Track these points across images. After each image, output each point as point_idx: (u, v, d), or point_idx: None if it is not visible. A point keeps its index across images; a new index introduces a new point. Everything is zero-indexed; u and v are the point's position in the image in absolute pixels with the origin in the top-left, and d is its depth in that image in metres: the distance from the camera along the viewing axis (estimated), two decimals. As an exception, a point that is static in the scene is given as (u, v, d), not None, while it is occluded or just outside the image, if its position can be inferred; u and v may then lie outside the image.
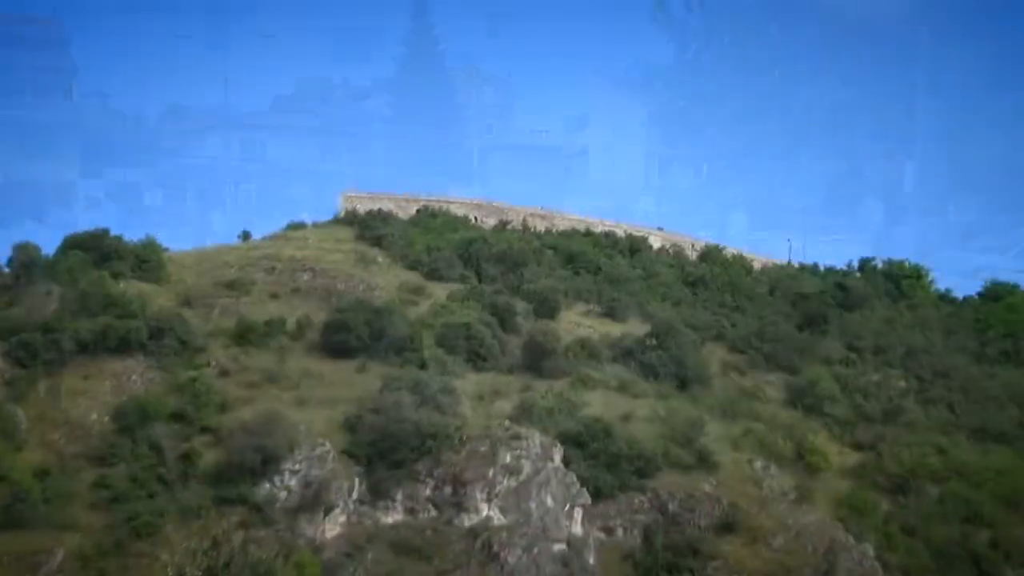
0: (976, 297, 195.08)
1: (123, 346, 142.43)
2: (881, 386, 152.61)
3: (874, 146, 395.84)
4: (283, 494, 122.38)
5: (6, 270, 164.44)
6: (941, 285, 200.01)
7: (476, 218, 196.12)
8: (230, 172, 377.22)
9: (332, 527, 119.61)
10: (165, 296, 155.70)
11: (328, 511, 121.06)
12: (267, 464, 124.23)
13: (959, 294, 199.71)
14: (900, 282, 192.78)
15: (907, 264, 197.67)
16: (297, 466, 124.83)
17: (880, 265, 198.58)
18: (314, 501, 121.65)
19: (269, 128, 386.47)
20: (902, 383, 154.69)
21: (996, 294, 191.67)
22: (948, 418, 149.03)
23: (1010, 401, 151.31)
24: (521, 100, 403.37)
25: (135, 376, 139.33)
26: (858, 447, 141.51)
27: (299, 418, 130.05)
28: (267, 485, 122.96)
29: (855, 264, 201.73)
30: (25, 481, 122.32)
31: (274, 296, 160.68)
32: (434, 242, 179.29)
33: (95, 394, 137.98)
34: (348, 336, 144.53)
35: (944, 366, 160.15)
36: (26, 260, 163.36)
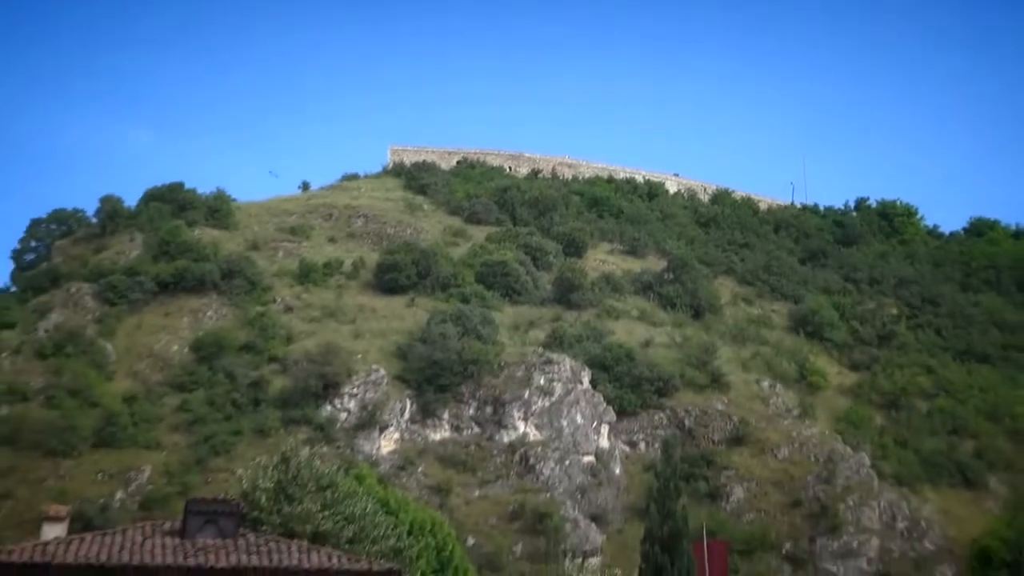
0: (961, 232, 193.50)
1: (198, 286, 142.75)
2: (875, 313, 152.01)
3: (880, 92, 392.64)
4: (343, 415, 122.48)
5: (93, 220, 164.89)
6: (930, 221, 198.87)
7: (510, 168, 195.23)
8: (289, 127, 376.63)
9: (387, 443, 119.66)
10: (234, 241, 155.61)
11: (383, 429, 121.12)
12: (328, 389, 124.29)
13: (946, 230, 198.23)
14: (893, 219, 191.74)
15: (899, 203, 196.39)
16: (355, 390, 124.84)
17: (874, 204, 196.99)
18: (370, 421, 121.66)
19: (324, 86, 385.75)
20: (894, 310, 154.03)
21: (979, 230, 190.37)
22: (936, 341, 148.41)
23: (992, 325, 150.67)
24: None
25: (210, 312, 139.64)
26: (854, 368, 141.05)
27: (356, 348, 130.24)
28: (328, 407, 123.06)
29: (852, 203, 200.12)
30: (115, 406, 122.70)
31: (331, 240, 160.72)
32: (473, 190, 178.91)
33: (175, 329, 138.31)
34: (398, 275, 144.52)
35: (932, 294, 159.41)
36: (111, 211, 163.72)
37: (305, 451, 55.06)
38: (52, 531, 29.27)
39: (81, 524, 59.40)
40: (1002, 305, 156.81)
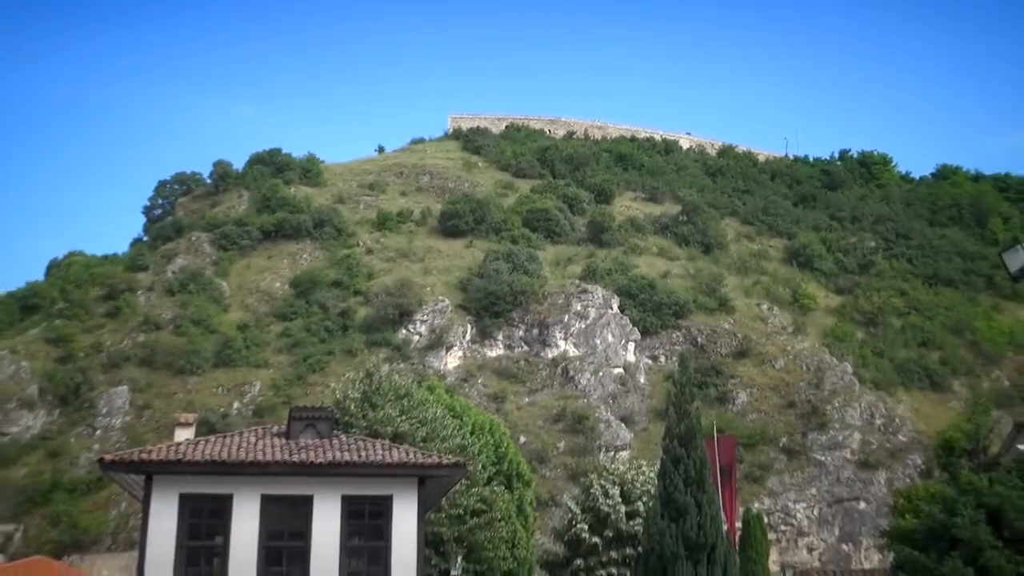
0: (929, 177, 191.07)
1: (295, 234, 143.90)
2: (856, 246, 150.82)
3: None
4: (415, 337, 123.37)
5: (208, 181, 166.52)
6: (902, 168, 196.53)
7: (549, 131, 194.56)
8: (366, 98, 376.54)
9: (452, 360, 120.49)
10: (323, 196, 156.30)
11: (448, 349, 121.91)
12: (403, 316, 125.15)
13: (916, 175, 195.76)
14: (871, 167, 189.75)
15: (876, 153, 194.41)
16: (425, 317, 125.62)
17: (855, 154, 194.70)
18: (438, 342, 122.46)
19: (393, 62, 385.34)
20: (872, 243, 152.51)
21: (944, 174, 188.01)
22: (908, 268, 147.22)
23: (955, 254, 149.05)
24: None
25: (305, 255, 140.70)
26: (839, 292, 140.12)
27: (425, 282, 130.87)
28: (403, 331, 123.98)
29: (836, 154, 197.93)
30: (230, 333, 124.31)
31: (403, 194, 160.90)
32: (519, 150, 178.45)
33: (277, 269, 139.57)
34: (458, 221, 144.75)
35: (904, 229, 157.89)
36: (222, 173, 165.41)
37: (385, 367, 55.44)
38: (182, 434, 29.81)
39: (205, 429, 60.60)
40: (963, 238, 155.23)
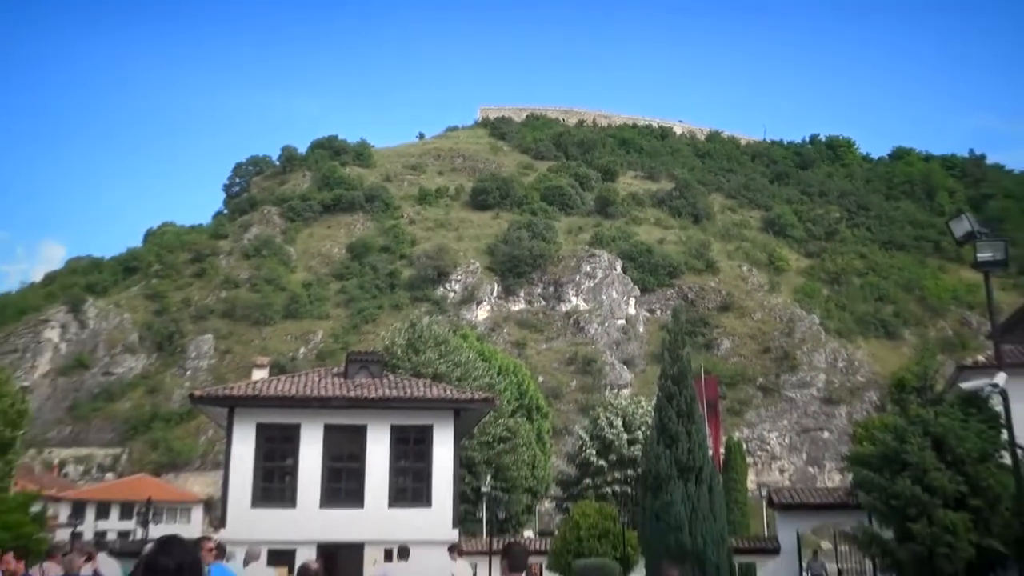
0: (886, 157, 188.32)
1: (350, 207, 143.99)
2: (823, 216, 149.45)
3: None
4: (451, 294, 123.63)
5: (276, 163, 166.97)
6: (863, 150, 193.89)
7: (563, 119, 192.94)
8: (409, 90, 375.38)
9: (481, 313, 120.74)
10: (373, 175, 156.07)
11: (478, 303, 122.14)
12: (441, 276, 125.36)
13: (875, 155, 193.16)
14: (836, 149, 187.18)
15: (841, 137, 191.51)
16: (459, 277, 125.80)
17: (823, 138, 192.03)
18: (470, 297, 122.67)
19: (432, 59, 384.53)
20: (837, 214, 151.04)
21: (899, 155, 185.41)
22: (867, 235, 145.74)
23: (907, 223, 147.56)
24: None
25: (358, 225, 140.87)
26: (808, 255, 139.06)
27: (458, 248, 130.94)
28: (441, 289, 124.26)
29: (807, 138, 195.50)
30: (297, 290, 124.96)
31: (440, 173, 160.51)
32: (538, 135, 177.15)
33: (335, 237, 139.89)
34: (486, 196, 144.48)
35: (864, 202, 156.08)
36: (288, 156, 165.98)
37: (426, 319, 55.65)
38: (258, 374, 29.98)
39: (277, 370, 61.13)
40: (915, 209, 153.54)
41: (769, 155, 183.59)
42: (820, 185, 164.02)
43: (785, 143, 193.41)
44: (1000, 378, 12.54)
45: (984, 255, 12.64)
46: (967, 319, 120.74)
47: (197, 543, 5.88)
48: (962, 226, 13.00)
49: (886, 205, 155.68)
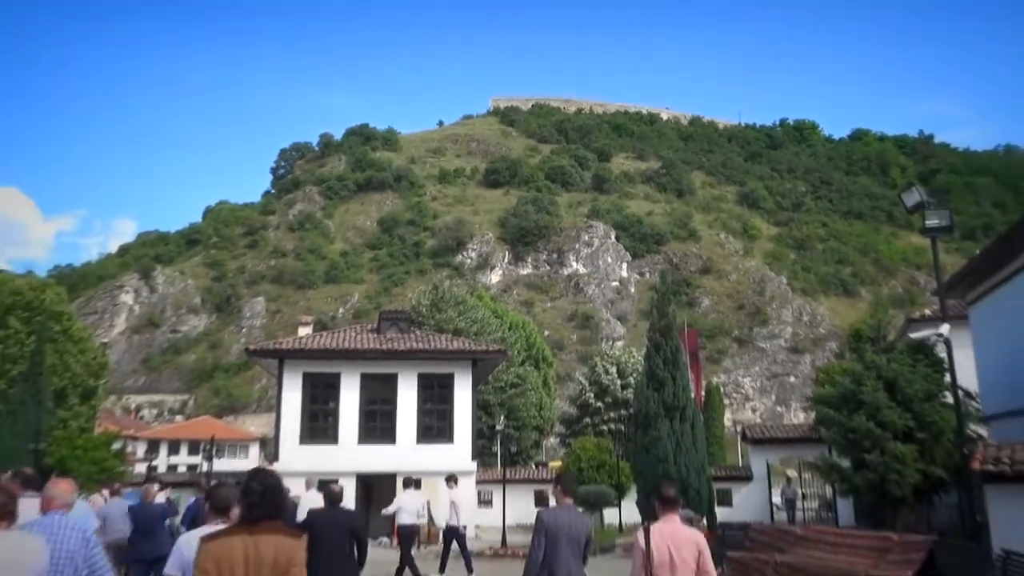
0: (847, 138, 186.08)
1: (380, 186, 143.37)
2: (791, 190, 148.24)
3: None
4: (468, 261, 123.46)
5: (316, 148, 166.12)
6: (826, 131, 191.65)
7: (563, 107, 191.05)
8: (430, 83, 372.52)
9: (494, 277, 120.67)
10: (400, 158, 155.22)
11: (492, 268, 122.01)
12: (459, 245, 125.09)
13: (836, 136, 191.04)
14: (803, 131, 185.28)
15: (807, 121, 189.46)
16: (474, 246, 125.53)
17: (791, 121, 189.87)
18: (484, 264, 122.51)
19: (451, 55, 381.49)
20: (803, 188, 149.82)
21: (858, 136, 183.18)
22: (829, 207, 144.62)
23: (865, 196, 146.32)
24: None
25: (387, 202, 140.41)
26: (778, 224, 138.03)
27: (474, 221, 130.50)
28: (459, 256, 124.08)
29: (777, 121, 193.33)
30: (336, 259, 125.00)
31: (457, 156, 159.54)
32: (542, 122, 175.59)
33: (367, 212, 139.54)
34: (498, 176, 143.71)
35: (827, 178, 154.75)
36: (326, 142, 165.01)
37: (447, 282, 55.64)
38: (303, 331, 30.07)
39: (319, 327, 61.45)
40: (871, 183, 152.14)
41: (744, 137, 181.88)
42: (788, 163, 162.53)
43: (758, 126, 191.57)
44: (944, 328, 12.50)
45: (932, 222, 12.55)
46: (915, 278, 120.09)
47: (263, 472, 6.27)
48: (913, 197, 12.89)
49: (846, 180, 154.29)
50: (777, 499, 29.34)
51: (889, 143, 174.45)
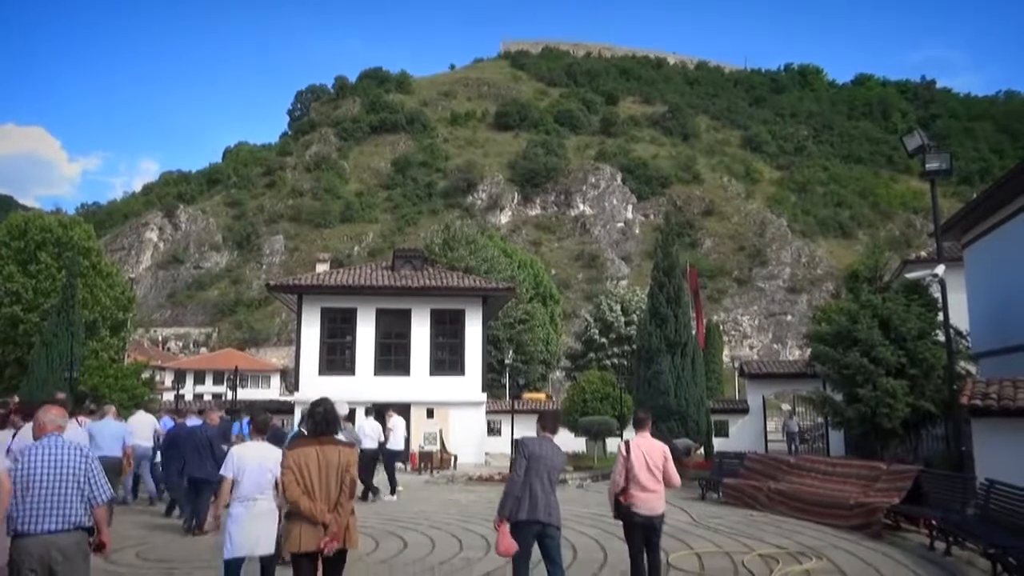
0: (849, 83, 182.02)
1: (393, 128, 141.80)
2: (793, 135, 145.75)
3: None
4: (478, 201, 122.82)
5: (331, 90, 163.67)
6: (830, 76, 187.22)
7: (572, 51, 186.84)
8: (444, 27, 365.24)
9: (504, 217, 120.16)
10: (413, 100, 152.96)
11: (501, 209, 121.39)
12: (470, 186, 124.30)
13: (840, 81, 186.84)
14: (807, 75, 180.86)
15: (811, 65, 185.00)
16: (485, 187, 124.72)
17: (796, 66, 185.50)
18: (494, 204, 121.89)
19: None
20: (805, 133, 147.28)
21: (860, 80, 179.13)
22: (830, 151, 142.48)
23: (865, 140, 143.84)
24: None
25: (400, 144, 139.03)
26: (779, 168, 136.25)
27: (485, 163, 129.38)
28: (470, 197, 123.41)
29: (781, 66, 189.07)
30: (351, 199, 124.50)
31: (468, 99, 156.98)
32: (551, 66, 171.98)
33: (381, 154, 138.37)
34: (508, 119, 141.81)
35: (829, 122, 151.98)
36: (341, 84, 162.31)
37: (458, 222, 55.48)
38: (321, 268, 30.17)
39: (336, 265, 61.62)
40: (872, 128, 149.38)
41: (749, 82, 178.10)
42: (792, 108, 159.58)
43: (763, 71, 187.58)
44: (940, 269, 12.45)
45: (932, 165, 12.40)
46: (912, 221, 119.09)
47: (326, 400, 7.20)
48: (914, 141, 12.70)
49: (847, 125, 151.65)
50: (780, 432, 29.72)
51: (891, 88, 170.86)
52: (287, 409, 25.91)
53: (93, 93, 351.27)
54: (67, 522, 4.50)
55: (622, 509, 6.56)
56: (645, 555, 6.53)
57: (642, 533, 6.49)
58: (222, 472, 6.06)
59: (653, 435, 6.87)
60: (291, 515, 5.06)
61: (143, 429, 13.44)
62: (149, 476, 13.57)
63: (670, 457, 6.75)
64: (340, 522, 5.01)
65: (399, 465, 22.87)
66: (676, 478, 6.78)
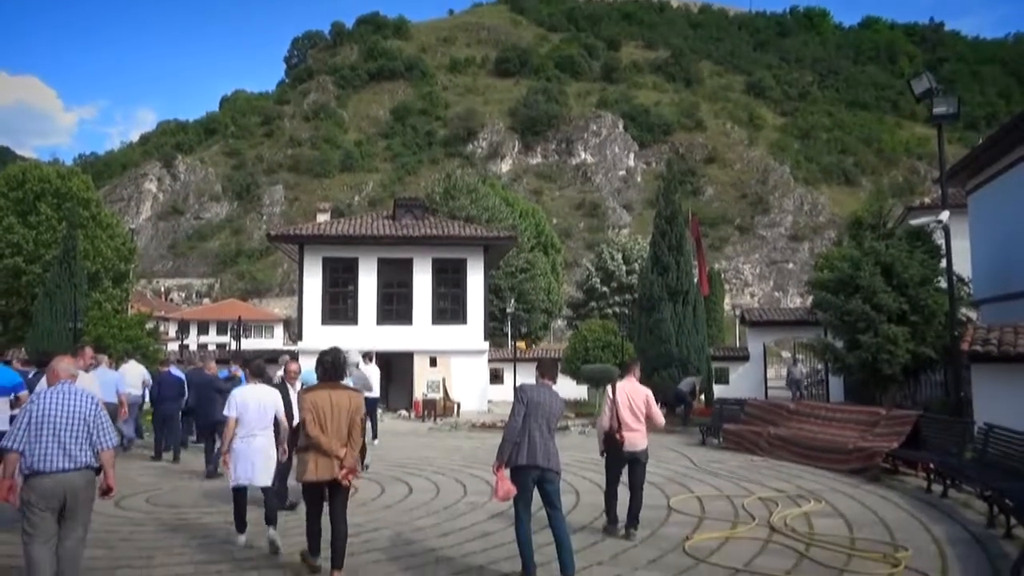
0: (856, 26, 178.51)
1: (392, 75, 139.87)
2: (798, 80, 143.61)
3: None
4: (479, 150, 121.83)
5: (328, 37, 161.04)
6: (836, 19, 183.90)
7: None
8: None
9: (505, 166, 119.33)
10: (411, 47, 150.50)
11: (502, 157, 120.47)
12: (470, 134, 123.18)
13: (847, 24, 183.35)
14: (813, 19, 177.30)
15: (816, 8, 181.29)
16: (485, 135, 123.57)
17: (801, 8, 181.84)
18: (495, 152, 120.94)
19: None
20: (810, 78, 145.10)
21: (867, 24, 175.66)
22: (835, 96, 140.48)
23: (871, 85, 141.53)
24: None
25: (399, 91, 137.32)
26: (783, 114, 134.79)
27: (485, 110, 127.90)
28: (471, 146, 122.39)
29: (787, 9, 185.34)
30: (350, 148, 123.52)
31: (467, 45, 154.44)
32: (552, 10, 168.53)
33: (380, 102, 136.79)
34: (508, 65, 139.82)
35: (835, 67, 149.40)
36: (338, 31, 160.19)
37: (459, 171, 55.14)
38: (322, 217, 30.05)
39: (336, 214, 61.37)
40: (879, 72, 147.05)
41: (753, 25, 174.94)
42: (797, 52, 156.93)
43: (768, 14, 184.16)
44: (944, 215, 12.36)
45: (939, 109, 12.21)
46: (916, 168, 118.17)
47: (334, 349, 8.02)
48: (922, 84, 12.49)
49: (853, 69, 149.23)
50: (784, 379, 29.89)
51: (899, 31, 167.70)
52: (294, 358, 26.03)
53: (86, 41, 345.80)
54: (76, 462, 4.79)
55: (612, 445, 7.22)
56: (630, 494, 7.22)
57: (624, 464, 7.28)
58: (225, 412, 6.78)
59: (644, 382, 7.50)
60: (305, 449, 5.66)
61: (133, 379, 13.86)
62: (131, 424, 14.10)
63: (652, 400, 7.37)
64: (353, 456, 5.64)
65: (402, 412, 23.22)
66: (659, 419, 7.53)
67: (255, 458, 6.62)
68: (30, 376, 8.97)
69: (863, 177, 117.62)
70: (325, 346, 6.26)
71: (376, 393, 15.14)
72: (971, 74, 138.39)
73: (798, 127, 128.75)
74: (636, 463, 7.27)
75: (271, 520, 6.57)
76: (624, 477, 7.32)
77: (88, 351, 10.10)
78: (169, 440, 12.92)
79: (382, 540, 6.94)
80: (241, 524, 6.77)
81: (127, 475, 10.80)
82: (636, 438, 7.19)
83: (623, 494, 7.30)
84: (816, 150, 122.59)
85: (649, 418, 7.28)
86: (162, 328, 57.70)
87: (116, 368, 13.51)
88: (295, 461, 5.99)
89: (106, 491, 5.03)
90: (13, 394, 7.72)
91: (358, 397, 5.84)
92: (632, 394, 7.28)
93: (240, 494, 6.74)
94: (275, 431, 6.82)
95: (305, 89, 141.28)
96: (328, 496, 5.67)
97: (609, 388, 7.39)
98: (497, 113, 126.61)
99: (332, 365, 5.83)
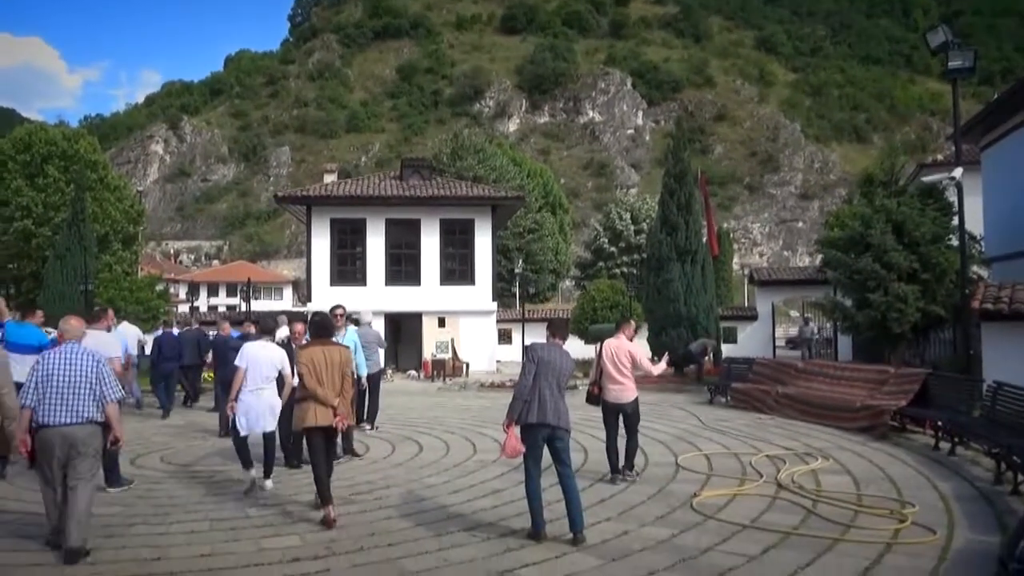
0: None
1: (396, 34, 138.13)
2: (810, 35, 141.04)
3: None
4: (486, 109, 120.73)
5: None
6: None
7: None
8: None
9: (512, 125, 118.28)
10: (416, 4, 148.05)
11: (509, 117, 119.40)
12: (477, 94, 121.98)
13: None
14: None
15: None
16: (492, 94, 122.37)
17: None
18: (502, 112, 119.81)
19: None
20: (822, 32, 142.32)
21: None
22: (848, 52, 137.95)
23: (884, 39, 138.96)
24: None
25: (405, 50, 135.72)
26: (794, 70, 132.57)
27: (492, 68, 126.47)
28: (478, 105, 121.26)
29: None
30: (356, 108, 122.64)
31: (474, 1, 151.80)
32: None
33: (386, 60, 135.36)
34: (514, 23, 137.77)
35: (848, 20, 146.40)
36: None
37: (466, 131, 54.70)
38: (328, 179, 29.95)
39: (343, 175, 61.11)
40: (892, 26, 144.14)
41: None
42: (809, 5, 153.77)
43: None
44: (957, 172, 12.22)
45: (955, 63, 11.98)
46: (929, 124, 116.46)
47: (332, 311, 9.67)
48: (937, 37, 12.25)
49: (867, 23, 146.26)
50: (797, 337, 29.88)
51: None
52: (303, 319, 26.18)
53: (88, 0, 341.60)
54: (80, 417, 5.22)
55: (592, 398, 7.95)
56: (626, 439, 7.80)
57: (615, 416, 7.81)
58: (236, 363, 7.29)
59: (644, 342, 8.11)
60: (303, 400, 6.29)
61: (128, 339, 14.04)
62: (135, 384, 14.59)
63: (640, 354, 7.84)
64: (346, 405, 6.31)
65: (412, 372, 23.46)
66: (649, 368, 8.11)
67: (264, 408, 7.27)
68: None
69: (875, 134, 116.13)
70: (336, 304, 6.70)
71: (379, 365, 12.50)
72: (987, 28, 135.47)
73: (809, 83, 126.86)
74: (625, 415, 7.80)
75: (268, 474, 7.44)
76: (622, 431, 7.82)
77: (111, 312, 10.32)
78: (167, 397, 13.77)
79: (393, 497, 7.04)
80: (247, 462, 7.34)
81: (142, 434, 10.99)
82: (618, 391, 7.72)
83: (624, 450, 7.78)
84: (828, 107, 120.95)
85: (641, 368, 7.82)
86: (172, 290, 58.01)
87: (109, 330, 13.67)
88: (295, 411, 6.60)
89: (114, 442, 5.48)
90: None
91: (348, 352, 6.57)
92: (617, 350, 7.74)
93: (243, 440, 7.32)
94: (278, 385, 7.42)
95: (310, 48, 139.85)
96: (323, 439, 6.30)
97: (598, 345, 8.01)
98: (504, 71, 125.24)
99: (322, 325, 6.62)
